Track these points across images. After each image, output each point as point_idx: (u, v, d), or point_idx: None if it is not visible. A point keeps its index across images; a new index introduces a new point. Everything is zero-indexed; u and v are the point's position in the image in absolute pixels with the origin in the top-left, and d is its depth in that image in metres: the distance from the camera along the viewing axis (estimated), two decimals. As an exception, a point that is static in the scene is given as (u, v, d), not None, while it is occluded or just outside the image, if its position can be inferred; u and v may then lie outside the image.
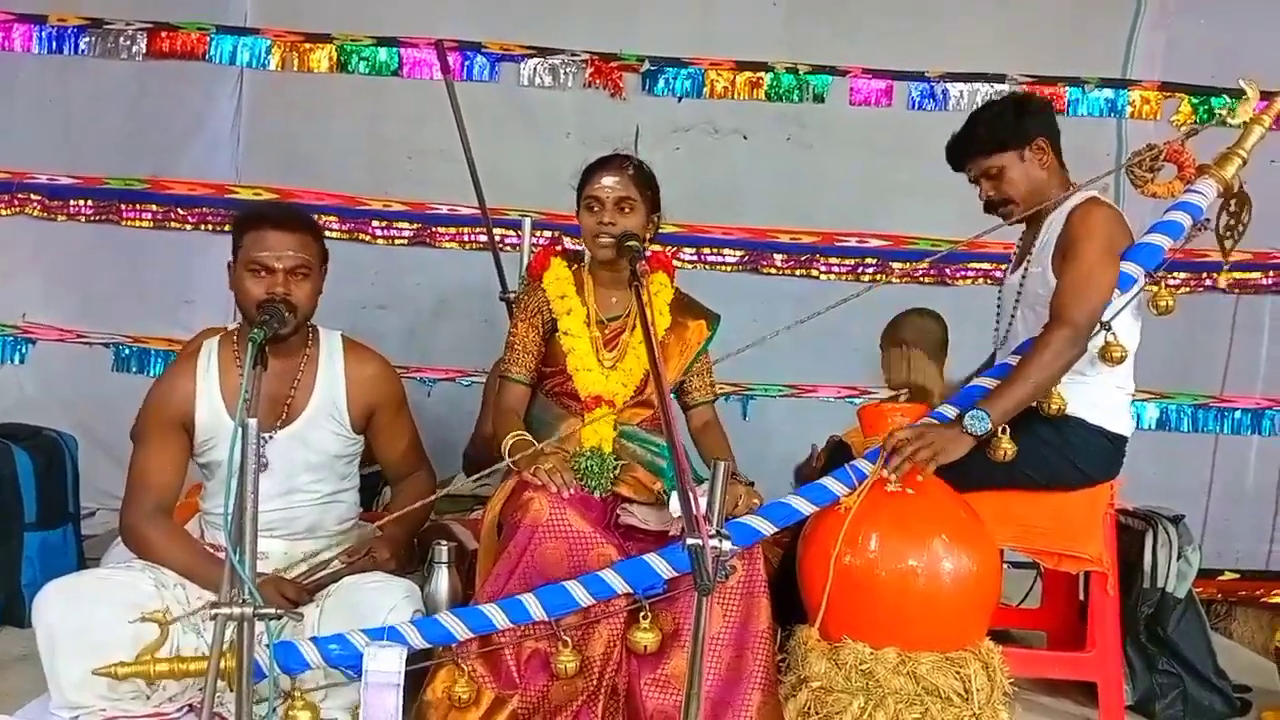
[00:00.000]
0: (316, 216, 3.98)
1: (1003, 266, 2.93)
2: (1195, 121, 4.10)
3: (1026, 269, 2.74)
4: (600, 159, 2.67)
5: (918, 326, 3.32)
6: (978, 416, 2.41)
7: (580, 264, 2.75)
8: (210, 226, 4.12)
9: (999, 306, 2.92)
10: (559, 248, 2.89)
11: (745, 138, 4.24)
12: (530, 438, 2.53)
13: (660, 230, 2.80)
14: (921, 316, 3.36)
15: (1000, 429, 2.47)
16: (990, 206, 2.77)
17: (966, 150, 2.76)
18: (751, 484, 2.54)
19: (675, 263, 4.02)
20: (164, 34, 4.08)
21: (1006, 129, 2.70)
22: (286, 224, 2.42)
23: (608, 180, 2.60)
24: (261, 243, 2.38)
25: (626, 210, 2.60)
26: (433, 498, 2.55)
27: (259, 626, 1.80)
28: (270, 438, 2.44)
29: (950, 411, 2.58)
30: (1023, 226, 2.84)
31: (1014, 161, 2.70)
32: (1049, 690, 2.90)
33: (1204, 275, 4.13)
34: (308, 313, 2.45)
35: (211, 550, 2.44)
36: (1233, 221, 2.71)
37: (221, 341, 2.54)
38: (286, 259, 2.38)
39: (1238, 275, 4.10)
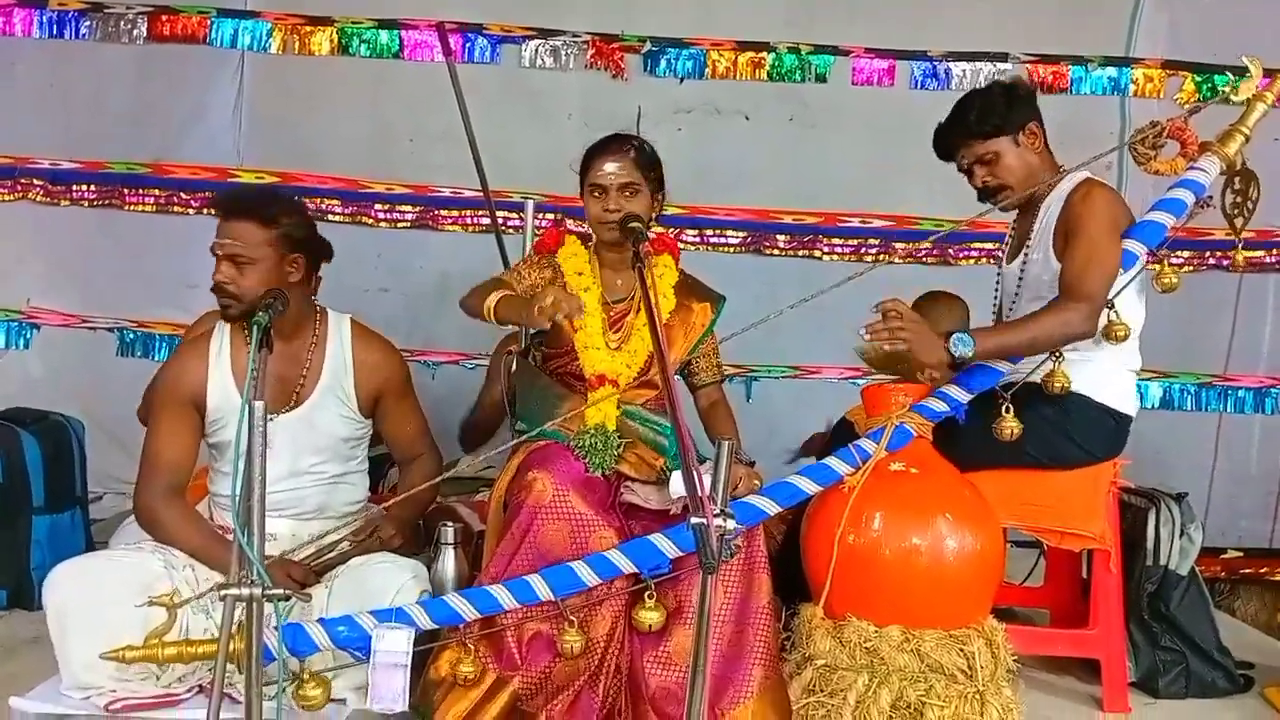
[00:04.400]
0: (319, 200, 4.06)
1: (1005, 246, 2.93)
2: (1199, 99, 4.08)
3: (1027, 255, 2.73)
4: (601, 142, 2.65)
5: (952, 316, 3.18)
6: (964, 340, 2.39)
7: (587, 247, 2.75)
8: (212, 211, 4.10)
9: (996, 293, 2.92)
10: (562, 229, 2.88)
11: (747, 118, 4.23)
12: (516, 294, 2.51)
13: (664, 211, 2.80)
14: (952, 303, 3.25)
15: (1005, 408, 2.48)
16: (985, 194, 2.74)
17: (959, 136, 2.73)
18: (752, 464, 2.55)
19: (678, 244, 4.05)
20: (164, 18, 4.08)
21: (1000, 114, 2.67)
22: (232, 212, 2.45)
23: (610, 166, 2.59)
24: (217, 229, 2.43)
25: (631, 194, 2.59)
26: (439, 479, 2.56)
27: (268, 608, 1.81)
28: (273, 418, 2.45)
29: (955, 390, 2.58)
30: (1016, 210, 2.83)
31: (1009, 147, 2.68)
32: (1052, 667, 2.92)
33: (1207, 253, 4.13)
34: (252, 300, 2.39)
35: (221, 531, 2.46)
36: (1239, 199, 2.70)
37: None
38: (226, 247, 2.42)
39: (1245, 254, 4.08)
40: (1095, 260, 2.52)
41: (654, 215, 2.69)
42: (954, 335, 2.39)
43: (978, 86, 2.89)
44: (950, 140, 2.76)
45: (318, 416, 2.52)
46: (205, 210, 4.12)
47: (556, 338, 2.67)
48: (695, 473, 1.68)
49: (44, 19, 4.07)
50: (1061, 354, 2.52)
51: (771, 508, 2.39)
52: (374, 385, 2.59)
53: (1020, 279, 2.76)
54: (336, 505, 2.57)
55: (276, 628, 2.02)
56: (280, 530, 2.45)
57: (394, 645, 2.12)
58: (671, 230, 4.06)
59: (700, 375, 2.81)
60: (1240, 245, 2.74)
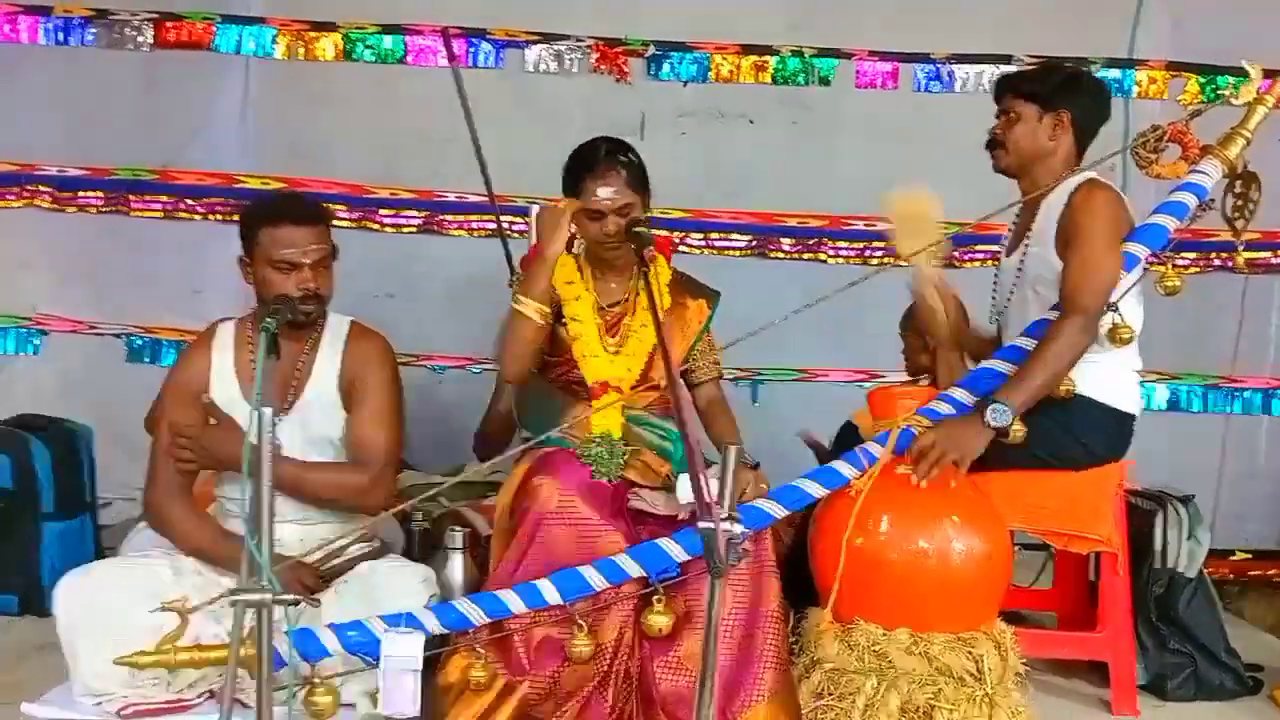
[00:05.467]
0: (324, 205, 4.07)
1: (1005, 239, 2.94)
2: (1202, 100, 4.08)
3: (1026, 249, 2.75)
4: (589, 157, 2.59)
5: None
6: (999, 410, 2.42)
7: (573, 252, 2.75)
8: (219, 216, 4.13)
9: (995, 287, 2.92)
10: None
11: (751, 122, 4.22)
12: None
13: (666, 215, 2.80)
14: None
15: (1011, 411, 2.49)
16: (990, 143, 2.79)
17: (1008, 82, 2.81)
18: (758, 466, 2.56)
19: (683, 248, 4.05)
20: (170, 24, 4.08)
21: (1044, 86, 2.73)
22: (304, 218, 2.45)
23: (605, 192, 2.53)
24: (283, 240, 2.41)
25: (626, 214, 2.56)
26: (360, 527, 2.46)
27: (278, 612, 1.81)
28: (278, 420, 2.45)
29: (960, 394, 2.59)
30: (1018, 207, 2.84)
31: (1031, 117, 2.71)
32: (1061, 670, 2.92)
33: (1212, 255, 4.12)
34: (329, 299, 2.50)
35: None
36: (1240, 202, 2.71)
37: (237, 325, 2.58)
38: (311, 253, 2.42)
39: (1248, 255, 4.08)
40: (1091, 271, 2.54)
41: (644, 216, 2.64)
42: (988, 411, 2.42)
43: (984, 87, 2.91)
44: (1003, 82, 2.83)
45: (311, 416, 2.52)
46: (211, 216, 4.14)
47: (556, 345, 2.68)
48: (702, 478, 1.68)
49: (49, 26, 4.08)
50: (1067, 359, 2.53)
51: (779, 511, 2.40)
52: (353, 373, 2.54)
53: (1019, 273, 2.77)
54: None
55: (288, 632, 2.03)
56: (287, 536, 2.44)
57: (405, 650, 2.13)
58: (676, 234, 4.07)
59: (698, 373, 2.81)
60: (1241, 247, 2.75)
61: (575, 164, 2.62)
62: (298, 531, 2.49)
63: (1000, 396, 2.46)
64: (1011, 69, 3.98)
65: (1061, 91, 2.71)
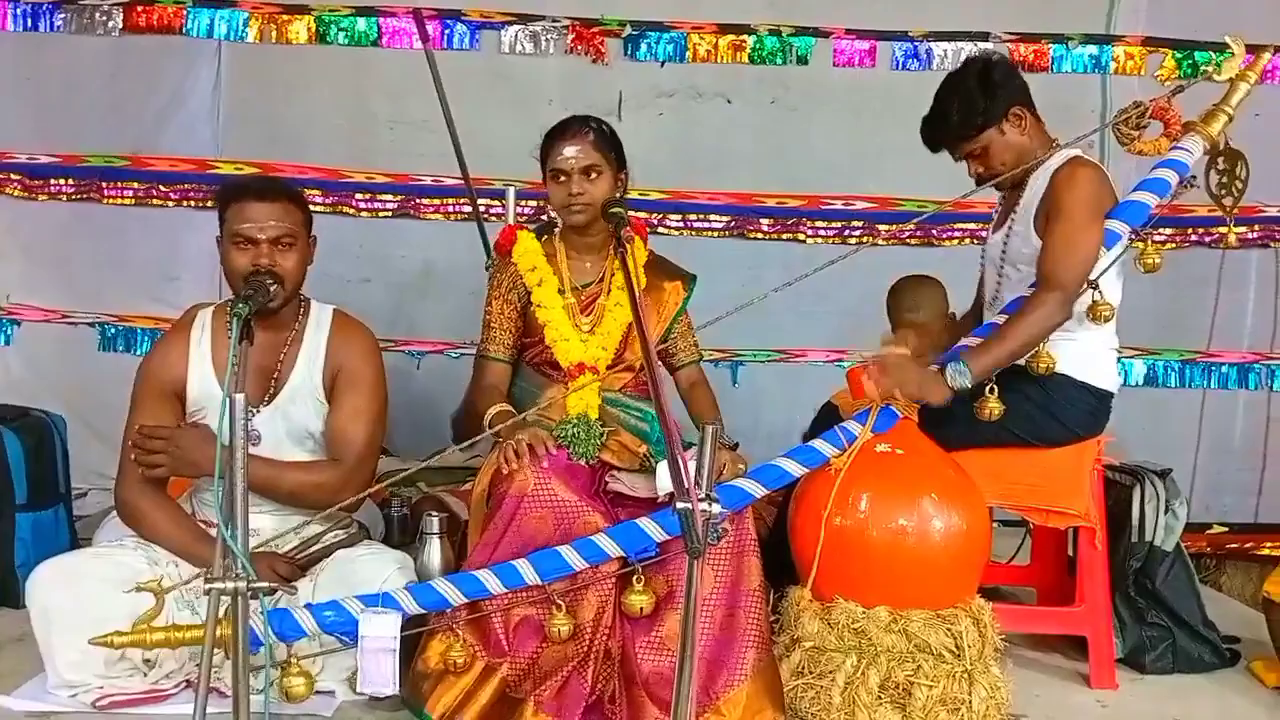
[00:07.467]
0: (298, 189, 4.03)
1: (989, 226, 2.94)
2: (1179, 76, 4.08)
3: (1010, 228, 2.74)
4: (558, 126, 2.65)
5: (930, 300, 3.07)
6: (960, 370, 2.42)
7: (551, 234, 2.74)
8: (192, 203, 4.09)
9: (982, 266, 2.92)
10: (543, 217, 2.88)
11: (729, 101, 4.20)
12: (512, 409, 2.54)
13: (644, 196, 2.79)
14: (929, 287, 3.10)
15: (989, 389, 2.49)
16: (981, 181, 2.75)
17: (944, 137, 2.74)
18: (736, 446, 2.55)
19: (661, 229, 4.04)
20: (140, 9, 4.03)
21: (979, 109, 2.66)
22: (268, 194, 2.42)
23: (569, 150, 2.58)
24: (244, 214, 2.38)
25: (594, 177, 2.59)
26: (328, 496, 2.36)
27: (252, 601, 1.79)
28: (256, 411, 2.43)
29: (938, 371, 2.59)
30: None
31: (995, 137, 2.68)
32: (1040, 645, 2.93)
33: (1189, 230, 4.14)
34: (296, 282, 2.45)
35: (204, 526, 2.44)
36: (1226, 179, 2.70)
37: (215, 312, 2.54)
38: (269, 229, 2.38)
39: (1221, 230, 4.09)
40: (1071, 248, 2.54)
41: (618, 195, 2.65)
42: (948, 368, 2.42)
43: (954, 69, 2.87)
44: (936, 140, 2.76)
45: (292, 409, 2.50)
46: (185, 202, 4.10)
47: (531, 326, 2.67)
48: (680, 458, 1.67)
49: (17, 12, 4.02)
50: (1045, 335, 2.53)
51: (757, 490, 2.39)
52: (334, 366, 2.52)
53: (1004, 251, 2.77)
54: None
55: (263, 612, 2.01)
56: (263, 525, 2.43)
57: (382, 630, 2.12)
58: (655, 215, 4.06)
59: (679, 356, 2.82)
60: (1232, 224, 2.74)
61: (545, 139, 2.66)
62: (273, 521, 2.47)
63: (964, 356, 2.46)
64: (988, 46, 3.97)
65: (996, 99, 2.65)
